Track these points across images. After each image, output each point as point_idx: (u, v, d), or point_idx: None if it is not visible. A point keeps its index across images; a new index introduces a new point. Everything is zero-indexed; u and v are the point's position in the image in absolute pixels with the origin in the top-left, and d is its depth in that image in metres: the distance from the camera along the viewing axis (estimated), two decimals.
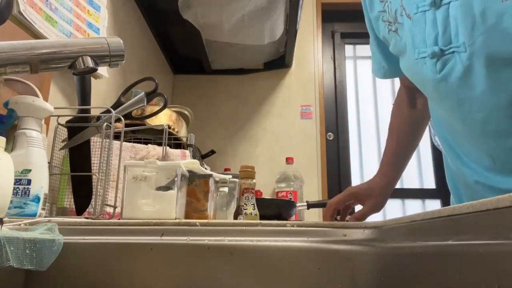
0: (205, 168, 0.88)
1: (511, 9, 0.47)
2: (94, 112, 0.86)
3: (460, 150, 0.66)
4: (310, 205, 1.24)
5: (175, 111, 1.25)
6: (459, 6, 0.52)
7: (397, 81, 0.89)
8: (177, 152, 1.00)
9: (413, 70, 0.63)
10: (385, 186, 0.84)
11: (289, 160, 1.90)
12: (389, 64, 0.77)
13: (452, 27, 0.54)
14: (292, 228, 0.49)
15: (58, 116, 0.78)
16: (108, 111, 0.74)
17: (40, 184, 0.61)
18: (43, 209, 0.62)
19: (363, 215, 0.83)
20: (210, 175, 0.73)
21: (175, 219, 0.61)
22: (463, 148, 0.65)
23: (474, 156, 0.63)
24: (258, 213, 0.77)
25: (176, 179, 0.64)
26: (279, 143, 2.05)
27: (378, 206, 0.83)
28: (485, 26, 0.50)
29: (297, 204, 1.21)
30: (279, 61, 2.10)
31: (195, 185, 0.72)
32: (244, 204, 0.77)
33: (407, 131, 0.86)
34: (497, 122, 0.54)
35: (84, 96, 0.77)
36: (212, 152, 1.69)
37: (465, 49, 0.53)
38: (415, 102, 0.85)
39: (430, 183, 2.03)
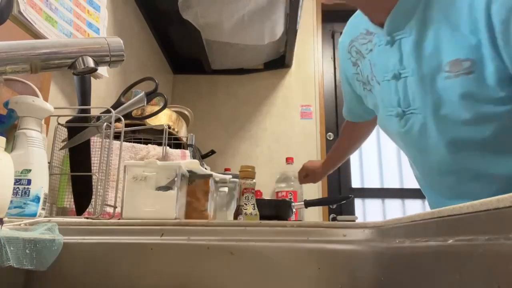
0: (205, 168, 0.88)
1: (450, 85, 0.62)
2: (94, 112, 0.86)
3: (426, 184, 0.83)
4: (308, 204, 1.24)
5: (175, 111, 1.25)
6: (414, 81, 0.67)
7: None
8: (177, 152, 1.00)
9: (384, 124, 0.79)
10: (327, 171, 1.24)
11: (289, 160, 1.90)
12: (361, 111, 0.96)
13: (409, 95, 0.69)
14: (292, 228, 0.49)
15: (58, 116, 0.78)
16: (108, 111, 0.74)
17: (40, 184, 0.61)
18: (43, 209, 0.62)
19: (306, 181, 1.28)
20: (210, 175, 0.73)
21: (175, 219, 0.61)
22: (427, 182, 0.82)
23: (436, 189, 0.79)
24: (258, 213, 0.77)
25: (176, 179, 0.64)
26: (279, 143, 2.05)
27: (317, 180, 1.28)
28: (433, 96, 0.65)
29: (295, 203, 1.22)
30: (279, 61, 2.09)
31: (195, 185, 0.72)
32: (244, 204, 0.77)
33: (361, 140, 1.16)
34: (449, 164, 0.70)
35: (84, 96, 0.77)
36: (212, 152, 1.69)
37: (420, 111, 0.68)
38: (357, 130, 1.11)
39: None
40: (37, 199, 0.61)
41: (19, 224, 0.50)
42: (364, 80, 0.80)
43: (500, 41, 0.57)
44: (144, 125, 1.03)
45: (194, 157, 1.16)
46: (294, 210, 1.18)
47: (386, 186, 2.10)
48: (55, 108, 0.67)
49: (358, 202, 2.07)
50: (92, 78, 0.94)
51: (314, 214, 1.92)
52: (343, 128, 1.14)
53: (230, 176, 0.82)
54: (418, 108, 0.68)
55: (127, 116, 0.80)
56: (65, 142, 0.77)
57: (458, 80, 0.61)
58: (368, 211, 2.08)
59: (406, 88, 0.68)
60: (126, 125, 0.82)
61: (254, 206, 0.77)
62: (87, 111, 0.78)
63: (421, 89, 0.66)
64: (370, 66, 0.77)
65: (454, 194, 0.73)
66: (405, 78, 0.68)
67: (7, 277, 0.47)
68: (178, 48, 1.94)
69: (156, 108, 0.90)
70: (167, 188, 0.63)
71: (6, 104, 0.65)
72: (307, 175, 1.26)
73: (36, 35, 0.88)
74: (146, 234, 0.50)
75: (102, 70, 1.16)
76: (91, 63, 0.50)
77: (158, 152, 0.95)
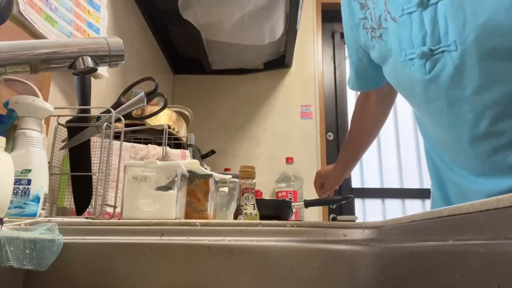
0: (205, 168, 0.88)
1: (502, 3, 0.47)
2: (94, 112, 0.86)
3: (448, 158, 0.66)
4: (308, 204, 1.24)
5: (175, 111, 1.25)
6: (448, 4, 0.52)
7: None
8: (177, 152, 1.00)
9: (399, 73, 0.63)
10: (340, 173, 1.10)
11: (289, 160, 1.90)
12: (372, 74, 0.81)
13: (441, 27, 0.54)
14: (292, 228, 0.49)
15: (58, 116, 0.78)
16: (108, 111, 0.74)
17: (40, 184, 0.61)
18: (43, 209, 0.62)
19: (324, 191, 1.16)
20: (210, 175, 0.73)
21: (175, 219, 0.61)
22: (450, 155, 0.65)
23: (462, 162, 0.62)
24: (258, 213, 0.77)
25: (176, 179, 0.64)
26: (279, 143, 2.05)
27: (333, 186, 1.14)
28: (477, 22, 0.50)
29: (295, 203, 1.22)
30: (279, 61, 2.09)
31: (195, 185, 0.72)
32: (244, 204, 0.77)
33: (371, 131, 1.01)
34: (489, 122, 0.54)
35: (84, 96, 0.77)
36: (212, 152, 1.69)
37: (456, 47, 0.53)
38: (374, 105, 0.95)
39: (430, 183, 2.03)
40: (37, 199, 0.61)
41: (19, 224, 0.50)
42: (373, 24, 0.66)
43: None
44: (144, 125, 1.03)
45: (194, 157, 1.16)
46: (294, 210, 1.18)
47: (386, 186, 2.10)
48: (55, 108, 0.67)
49: (358, 202, 2.07)
50: (92, 78, 0.94)
51: (314, 214, 1.92)
52: (353, 114, 0.99)
53: (230, 176, 0.82)
54: (452, 43, 0.52)
55: (127, 116, 0.80)
56: (65, 142, 0.77)
57: None
58: (368, 211, 2.08)
59: (436, 18, 0.54)
60: (126, 125, 0.82)
61: (254, 206, 0.77)
62: (87, 111, 0.78)
63: (459, 14, 0.51)
64: (385, 0, 0.63)
65: (489, 167, 0.57)
66: (434, 4, 0.54)
67: (7, 277, 0.47)
68: (178, 48, 1.94)
69: (156, 108, 0.90)
70: (167, 188, 0.63)
71: (6, 104, 0.65)
72: (322, 184, 1.14)
73: (36, 35, 0.88)
74: (146, 234, 0.50)
75: (102, 70, 1.16)
76: (91, 63, 0.50)
77: (158, 152, 0.95)
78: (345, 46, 0.85)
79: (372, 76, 0.82)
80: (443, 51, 0.54)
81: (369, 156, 2.15)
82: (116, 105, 0.81)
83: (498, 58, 0.50)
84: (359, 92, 0.98)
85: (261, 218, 0.78)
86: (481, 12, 0.49)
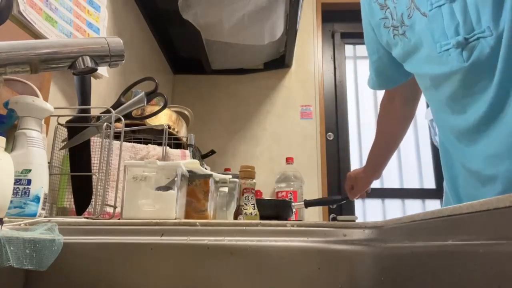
0: (205, 168, 0.88)
1: None
2: (94, 112, 0.86)
3: (468, 141, 0.65)
4: (308, 204, 1.24)
5: (175, 111, 1.25)
6: None
7: None
8: (177, 152, 1.00)
9: (434, 65, 0.64)
10: (369, 176, 1.11)
11: (289, 160, 1.90)
12: (393, 72, 0.83)
13: (472, 15, 0.57)
14: (292, 228, 0.49)
15: (58, 116, 0.78)
16: (108, 111, 0.74)
17: (40, 184, 0.61)
18: (43, 209, 0.62)
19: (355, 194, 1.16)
20: (210, 175, 0.73)
21: (175, 219, 0.61)
22: (470, 139, 0.64)
23: (493, 148, 0.60)
24: (258, 213, 0.77)
25: (176, 179, 0.64)
26: (279, 143, 2.05)
27: (362, 188, 1.15)
28: (509, 4, 0.53)
29: (295, 203, 1.22)
30: (279, 61, 2.09)
31: (195, 185, 0.72)
32: (244, 204, 0.77)
33: (398, 132, 1.01)
34: None
35: (84, 96, 0.77)
36: (212, 152, 1.69)
37: (491, 32, 0.55)
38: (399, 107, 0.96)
39: (430, 183, 2.03)
40: (37, 199, 0.61)
41: (19, 224, 0.50)
42: (395, 23, 0.69)
43: None
44: (144, 125, 1.03)
45: (194, 157, 1.16)
46: (294, 210, 1.18)
47: (386, 186, 2.10)
48: (55, 108, 0.67)
49: (358, 202, 2.07)
50: (92, 78, 0.94)
51: (314, 214, 1.92)
52: (378, 117, 1.01)
53: (230, 176, 0.82)
54: (486, 29, 0.55)
55: (127, 116, 0.80)
56: (65, 142, 0.77)
57: None
58: (368, 211, 2.08)
59: (466, 7, 0.57)
60: (126, 125, 0.82)
61: (254, 206, 0.77)
62: (87, 111, 0.78)
63: (489, 0, 0.54)
64: None
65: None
66: None
67: (7, 277, 0.47)
68: (178, 48, 1.94)
69: (156, 108, 0.90)
70: (167, 188, 0.63)
71: (6, 104, 0.65)
72: (352, 186, 1.15)
73: (36, 35, 0.88)
74: (146, 234, 0.50)
75: (102, 70, 1.16)
76: (91, 63, 0.50)
77: (158, 152, 0.95)
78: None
79: (392, 74, 0.84)
80: (478, 38, 0.56)
81: None
82: (116, 105, 0.81)
83: None
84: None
85: (261, 218, 0.78)
86: None
